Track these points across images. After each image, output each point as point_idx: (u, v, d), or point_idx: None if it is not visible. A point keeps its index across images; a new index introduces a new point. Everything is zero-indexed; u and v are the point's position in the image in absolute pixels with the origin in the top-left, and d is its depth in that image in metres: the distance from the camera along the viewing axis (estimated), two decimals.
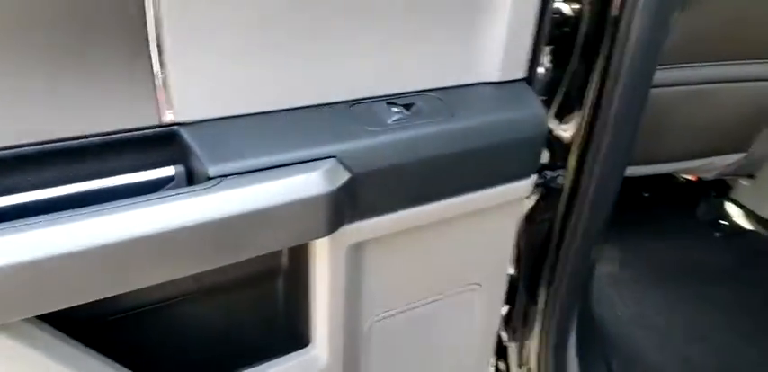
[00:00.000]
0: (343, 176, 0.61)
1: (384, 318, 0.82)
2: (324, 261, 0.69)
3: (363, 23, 0.62)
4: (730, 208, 1.82)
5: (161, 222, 0.51)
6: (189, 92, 0.57)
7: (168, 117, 0.57)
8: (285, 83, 0.61)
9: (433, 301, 0.86)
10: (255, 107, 0.61)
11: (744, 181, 1.78)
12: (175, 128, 0.58)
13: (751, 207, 1.79)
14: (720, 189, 1.79)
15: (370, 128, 0.64)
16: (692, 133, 1.47)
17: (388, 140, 0.64)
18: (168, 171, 0.60)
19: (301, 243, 0.63)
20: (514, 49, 0.72)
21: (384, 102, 0.68)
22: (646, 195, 1.78)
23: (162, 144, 0.58)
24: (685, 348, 1.36)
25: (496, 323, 1.00)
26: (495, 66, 0.72)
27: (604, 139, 0.86)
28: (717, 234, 1.74)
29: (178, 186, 0.60)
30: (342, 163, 0.61)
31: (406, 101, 0.69)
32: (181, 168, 0.60)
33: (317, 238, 0.63)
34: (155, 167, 0.59)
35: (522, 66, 0.75)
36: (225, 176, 0.56)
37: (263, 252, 0.59)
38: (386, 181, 0.66)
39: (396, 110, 0.67)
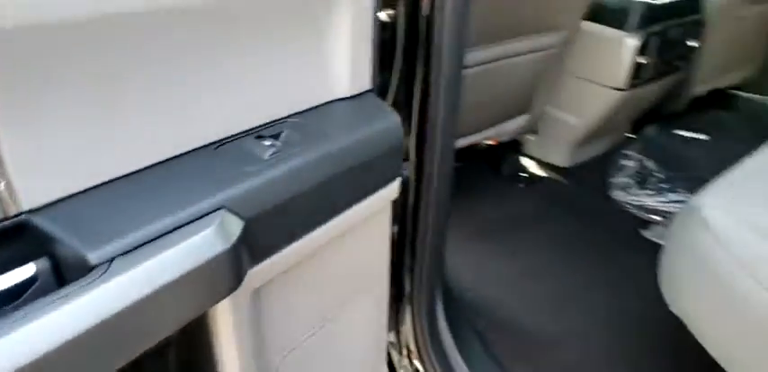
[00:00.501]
0: (238, 226, 0.57)
1: (292, 350, 0.80)
2: (226, 313, 0.64)
3: (206, 62, 0.57)
4: (525, 162, 2.07)
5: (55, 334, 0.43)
6: (31, 171, 0.48)
7: (12, 208, 0.48)
8: (138, 139, 0.54)
9: (333, 318, 0.86)
10: (113, 172, 0.54)
11: (531, 137, 2.03)
12: (24, 217, 0.49)
13: (540, 157, 2.06)
14: (515, 147, 2.01)
15: (249, 168, 0.60)
16: (488, 105, 1.64)
17: (272, 176, 0.61)
18: (27, 270, 0.50)
19: (213, 305, 0.58)
20: (358, 63, 0.73)
21: (252, 137, 0.64)
22: (458, 165, 1.93)
23: (12, 239, 0.49)
24: (528, 286, 1.53)
25: (385, 319, 1.03)
26: (345, 82, 0.73)
27: (437, 127, 0.92)
28: (520, 186, 1.96)
29: (44, 286, 0.50)
30: (232, 211, 0.57)
31: (272, 131, 0.66)
32: (45, 263, 0.50)
33: (228, 295, 0.58)
34: (6, 269, 0.49)
35: (367, 78, 0.76)
36: (111, 260, 0.49)
37: (176, 328, 0.53)
38: (277, 218, 0.63)
39: (267, 143, 0.64)
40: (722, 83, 2.44)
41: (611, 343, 1.36)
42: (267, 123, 0.67)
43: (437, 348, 1.17)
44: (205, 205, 0.55)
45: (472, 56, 1.41)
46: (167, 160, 0.58)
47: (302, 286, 0.76)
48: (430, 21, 0.85)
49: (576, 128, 1.92)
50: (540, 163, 2.06)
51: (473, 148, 1.96)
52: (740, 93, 2.70)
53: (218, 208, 0.56)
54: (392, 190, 0.81)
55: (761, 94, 2.69)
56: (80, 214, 0.51)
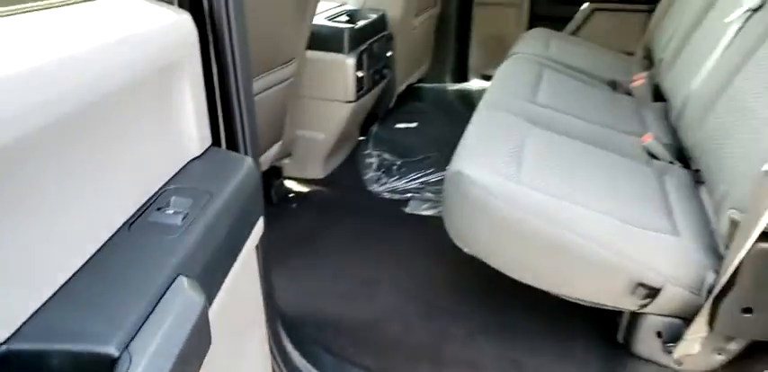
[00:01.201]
0: (194, 285, 0.61)
1: None
2: None
3: (90, 157, 0.59)
4: (289, 183, 2.20)
5: None
6: None
7: None
8: (66, 239, 0.56)
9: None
10: (60, 276, 0.54)
11: (287, 160, 2.17)
12: (5, 348, 0.47)
13: (300, 175, 2.22)
14: (276, 173, 2.13)
15: (170, 237, 0.64)
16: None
17: (197, 236, 0.65)
18: None
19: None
20: (201, 123, 0.79)
21: (154, 210, 0.67)
22: None
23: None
24: (342, 289, 1.68)
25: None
26: (195, 142, 0.78)
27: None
28: (293, 206, 2.10)
29: None
30: (185, 275, 0.61)
31: (164, 201, 0.70)
32: None
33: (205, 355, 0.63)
34: None
35: (209, 134, 0.82)
36: (126, 346, 0.51)
37: None
38: (213, 267, 0.68)
39: (171, 211, 0.68)
40: (412, 79, 2.92)
41: (424, 297, 1.62)
42: (153, 195, 0.70)
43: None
44: (164, 276, 0.59)
45: None
46: (100, 249, 0.59)
47: None
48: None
49: (324, 142, 2.13)
50: (302, 180, 2.22)
51: None
52: (424, 84, 3.24)
53: (177, 275, 0.60)
54: (259, 228, 0.88)
55: (436, 83, 3.28)
56: (56, 321, 0.51)
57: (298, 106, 2.01)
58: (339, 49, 1.96)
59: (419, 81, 3.18)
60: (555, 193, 1.29)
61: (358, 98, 2.04)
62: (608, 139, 1.73)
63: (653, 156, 1.69)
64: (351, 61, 1.96)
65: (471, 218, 1.31)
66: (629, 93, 2.27)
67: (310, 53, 1.95)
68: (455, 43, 3.20)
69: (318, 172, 2.22)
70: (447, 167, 1.41)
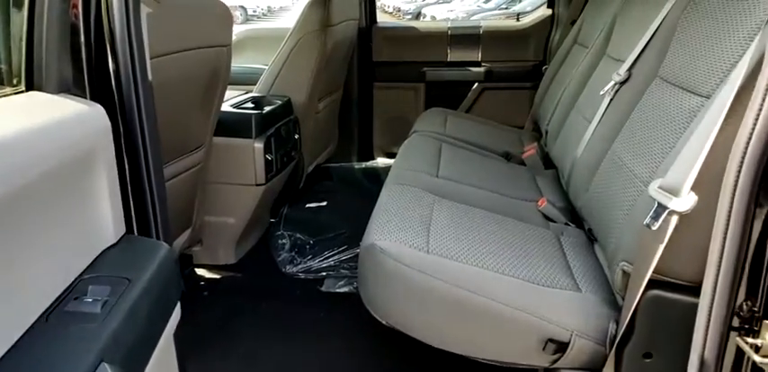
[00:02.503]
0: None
1: None
2: None
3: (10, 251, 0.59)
4: (200, 271, 2.15)
5: None
6: None
7: None
8: None
9: None
10: None
11: (196, 248, 2.13)
12: None
13: (211, 262, 2.18)
14: (186, 261, 2.08)
15: (91, 325, 0.63)
16: None
17: (117, 323, 0.64)
18: None
19: None
20: (116, 212, 0.79)
21: (72, 300, 0.66)
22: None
23: None
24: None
25: None
26: (110, 231, 0.78)
27: None
28: (205, 294, 2.05)
29: None
30: (107, 361, 0.61)
31: (81, 289, 0.69)
32: None
33: None
34: None
35: (123, 222, 0.82)
36: None
37: None
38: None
39: (89, 300, 0.67)
40: (320, 160, 3.00)
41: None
42: (70, 285, 0.69)
43: None
44: (87, 364, 0.59)
45: None
46: (18, 342, 0.58)
47: None
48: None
49: (235, 227, 2.12)
50: (213, 267, 2.17)
51: None
52: (332, 164, 3.34)
53: (100, 362, 0.59)
54: (177, 314, 0.87)
55: (344, 162, 3.38)
56: None
57: (206, 192, 2.01)
58: (248, 135, 2.01)
59: (327, 161, 3.27)
60: (463, 259, 1.35)
61: (268, 180, 2.08)
62: (507, 206, 1.85)
63: (549, 219, 1.82)
64: (259, 145, 2.02)
65: (386, 289, 1.34)
66: (522, 163, 2.45)
67: (219, 139, 1.99)
68: (359, 124, 3.35)
69: (230, 258, 2.19)
70: (360, 242, 1.45)
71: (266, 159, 2.04)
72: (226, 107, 2.08)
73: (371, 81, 3.31)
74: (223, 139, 2.00)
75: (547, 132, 2.44)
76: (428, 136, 2.44)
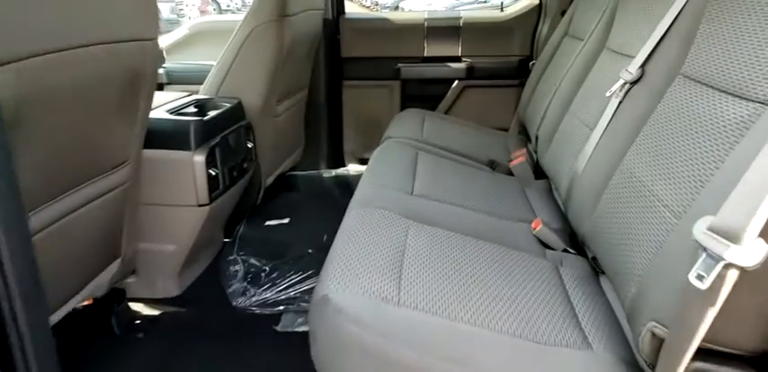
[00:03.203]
0: None
1: None
2: None
3: None
4: (136, 307, 1.82)
5: None
6: None
7: None
8: None
9: None
10: None
11: (131, 279, 1.80)
12: None
13: (150, 296, 1.84)
14: (119, 296, 1.75)
15: None
16: (66, 266, 1.38)
17: None
18: None
19: None
20: None
21: None
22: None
23: None
24: None
25: None
26: None
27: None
28: (140, 335, 1.72)
29: None
30: None
31: None
32: None
33: None
34: None
35: None
36: None
37: None
38: None
39: None
40: (283, 168, 2.68)
41: None
42: None
43: None
44: None
45: (34, 219, 1.16)
46: None
47: None
48: None
49: (176, 254, 1.80)
50: (152, 301, 1.84)
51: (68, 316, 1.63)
52: (297, 172, 3.01)
53: None
54: None
55: (311, 169, 3.06)
56: None
57: (140, 215, 1.68)
58: (185, 146, 1.68)
59: (292, 169, 2.95)
60: (444, 312, 1.05)
61: (213, 200, 1.75)
62: (496, 229, 1.55)
63: (545, 245, 1.53)
64: (200, 158, 1.69)
65: (340, 356, 1.03)
66: (509, 173, 2.16)
67: (151, 152, 1.66)
68: (327, 127, 3.03)
69: (171, 290, 1.86)
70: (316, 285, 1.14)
71: (210, 174, 1.72)
72: (160, 113, 1.75)
73: (340, 79, 2.99)
74: (156, 152, 1.67)
75: (537, 138, 2.15)
76: (402, 143, 2.13)
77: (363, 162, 3.10)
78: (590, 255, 1.45)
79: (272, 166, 2.43)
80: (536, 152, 2.18)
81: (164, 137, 1.68)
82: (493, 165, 2.20)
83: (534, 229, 1.55)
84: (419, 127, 2.45)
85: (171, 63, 2.91)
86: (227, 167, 1.83)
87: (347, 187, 2.87)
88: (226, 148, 1.83)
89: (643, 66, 1.41)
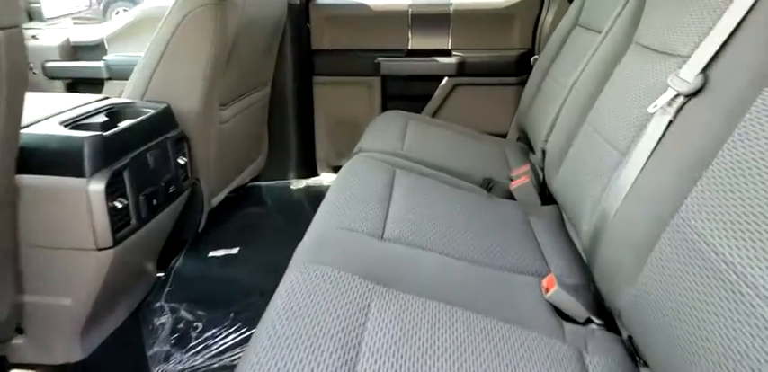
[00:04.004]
0: None
1: None
2: None
3: None
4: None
5: None
6: None
7: None
8: None
9: None
10: None
11: (17, 340, 1.38)
12: None
13: (40, 361, 1.42)
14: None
15: None
16: None
17: None
18: None
19: None
20: None
21: None
22: None
23: None
24: None
25: None
26: None
27: None
28: None
29: None
30: None
31: None
32: None
33: None
34: None
35: None
36: None
37: None
38: None
39: None
40: (239, 182, 2.25)
41: None
42: None
43: None
44: None
45: None
46: None
47: None
48: None
49: (74, 309, 1.37)
50: (47, 369, 1.42)
51: None
52: (261, 182, 2.59)
53: None
54: None
55: (277, 180, 2.64)
56: None
57: (25, 260, 1.26)
58: (77, 171, 1.25)
59: (255, 179, 2.52)
60: None
61: (119, 241, 1.32)
62: (494, 290, 1.14)
63: (562, 315, 1.12)
64: (97, 187, 1.26)
65: None
66: (509, 195, 1.74)
67: (33, 179, 1.24)
68: (296, 130, 2.60)
69: (73, 353, 1.43)
70: None
71: (113, 208, 1.29)
72: (50, 125, 1.32)
73: (310, 74, 2.56)
74: (40, 179, 1.25)
75: (544, 152, 1.73)
76: (376, 158, 1.71)
77: (338, 170, 2.68)
78: (625, 334, 1.05)
79: (220, 183, 2.00)
80: (542, 169, 1.77)
81: (50, 158, 1.25)
82: (489, 185, 1.79)
83: (547, 292, 1.14)
84: (400, 134, 2.03)
85: (113, 55, 2.47)
86: (142, 195, 1.41)
87: (318, 201, 2.44)
88: (141, 170, 1.41)
89: (704, 71, 0.99)
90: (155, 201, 1.47)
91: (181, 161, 1.63)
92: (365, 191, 1.46)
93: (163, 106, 1.58)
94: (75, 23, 3.00)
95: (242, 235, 2.07)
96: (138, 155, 1.40)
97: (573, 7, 2.09)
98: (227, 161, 2.01)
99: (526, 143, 2.27)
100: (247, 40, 1.90)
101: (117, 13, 11.64)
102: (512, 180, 1.79)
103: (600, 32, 1.67)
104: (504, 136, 2.52)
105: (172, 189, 1.57)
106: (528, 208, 1.63)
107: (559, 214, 1.62)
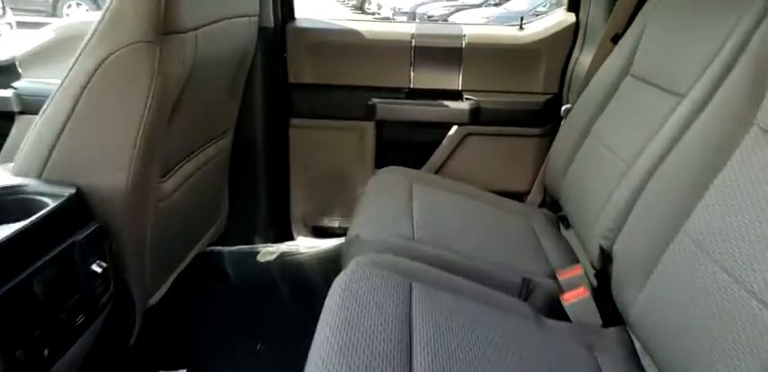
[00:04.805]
0: None
1: None
2: None
3: None
4: None
5: None
6: None
7: None
8: None
9: None
10: None
11: None
12: None
13: None
14: None
15: None
16: None
17: None
18: None
19: None
20: None
21: None
22: None
23: None
24: None
25: None
26: None
27: None
28: None
29: None
30: None
31: None
32: None
33: None
34: None
35: None
36: None
37: None
38: None
39: None
40: (198, 249, 1.75)
41: None
42: None
43: None
44: None
45: None
46: None
47: None
48: None
49: None
50: None
51: None
52: (222, 248, 2.07)
53: None
54: None
55: (241, 244, 2.12)
56: None
57: None
58: None
59: (213, 243, 2.00)
60: None
61: None
62: None
63: None
64: None
65: None
66: (558, 309, 1.27)
67: None
68: (267, 183, 2.10)
69: None
70: None
71: None
72: None
73: (286, 116, 2.06)
74: None
75: (602, 251, 1.26)
76: (383, 265, 1.21)
77: (319, 233, 2.18)
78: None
79: (160, 277, 1.49)
80: (598, 270, 1.30)
81: None
82: (527, 292, 1.32)
83: None
84: (405, 206, 1.56)
85: (26, 81, 1.93)
86: (23, 349, 0.89)
87: (295, 279, 1.95)
88: (20, 310, 0.89)
89: None
90: (46, 351, 0.95)
91: (97, 268, 1.11)
92: (377, 326, 0.97)
93: (69, 192, 1.06)
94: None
95: (191, 346, 1.55)
96: (16, 288, 0.88)
97: (620, 50, 1.64)
98: (170, 244, 1.49)
99: (553, 209, 1.82)
100: (203, 83, 1.40)
101: (69, 7, 10.68)
102: (557, 281, 1.33)
103: (678, 95, 1.23)
104: (521, 195, 2.06)
105: (79, 319, 1.05)
106: (588, 339, 1.16)
107: (628, 338, 1.17)
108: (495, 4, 12.01)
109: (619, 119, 1.51)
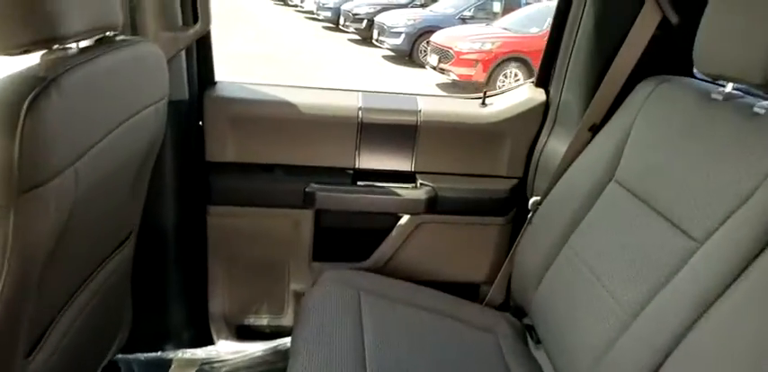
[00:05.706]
0: None
1: None
2: None
3: None
4: None
5: None
6: None
7: None
8: None
9: None
10: None
11: None
12: None
13: None
14: None
15: None
16: None
17: None
18: None
19: None
20: None
21: None
22: None
23: None
24: None
25: None
26: None
27: None
28: None
29: None
30: None
31: None
32: None
33: None
34: None
35: None
36: None
37: None
38: None
39: None
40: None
41: None
42: None
43: None
44: None
45: None
46: None
47: None
48: None
49: None
50: None
51: None
52: (128, 357, 1.70)
53: None
54: None
55: (150, 350, 1.75)
56: None
57: None
58: None
59: (121, 350, 1.63)
60: None
61: None
62: None
63: None
64: None
65: None
66: None
67: None
68: (179, 280, 1.74)
69: None
70: None
71: None
72: None
73: (203, 202, 1.70)
74: None
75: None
76: None
77: (243, 334, 1.84)
78: None
79: None
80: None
81: None
82: None
83: None
84: (354, 328, 1.29)
85: None
86: None
87: None
88: None
89: None
90: None
91: None
92: None
93: None
94: None
95: None
96: None
97: (600, 147, 1.41)
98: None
99: (517, 314, 1.59)
100: (94, 208, 1.05)
101: None
102: None
103: (690, 237, 1.02)
104: (476, 286, 1.83)
105: None
106: None
107: None
108: (422, 5, 11.80)
109: (604, 239, 1.28)
